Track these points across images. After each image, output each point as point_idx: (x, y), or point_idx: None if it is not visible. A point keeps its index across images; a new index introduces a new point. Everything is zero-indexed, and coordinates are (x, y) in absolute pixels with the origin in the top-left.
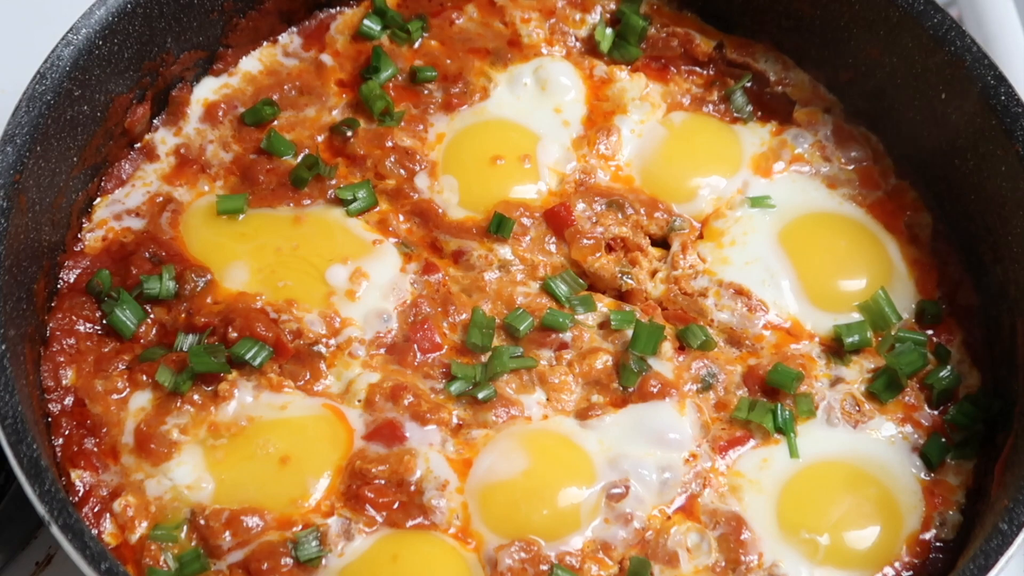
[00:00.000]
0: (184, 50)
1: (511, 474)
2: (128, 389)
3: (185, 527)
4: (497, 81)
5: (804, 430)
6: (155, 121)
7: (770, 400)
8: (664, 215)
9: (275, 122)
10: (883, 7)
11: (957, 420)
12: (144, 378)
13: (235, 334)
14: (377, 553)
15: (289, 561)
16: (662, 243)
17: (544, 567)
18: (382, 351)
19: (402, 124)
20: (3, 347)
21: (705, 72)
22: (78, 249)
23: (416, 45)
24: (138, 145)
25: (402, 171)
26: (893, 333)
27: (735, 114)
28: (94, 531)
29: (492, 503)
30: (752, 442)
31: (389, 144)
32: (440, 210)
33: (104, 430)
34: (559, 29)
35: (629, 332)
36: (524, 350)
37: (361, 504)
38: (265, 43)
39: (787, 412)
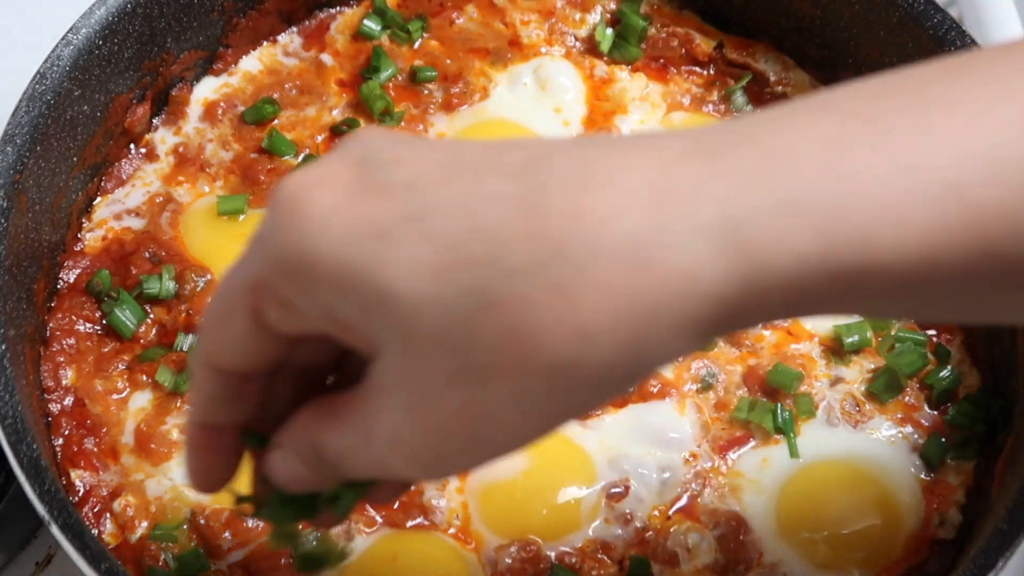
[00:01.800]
0: (184, 50)
1: (511, 474)
2: (128, 389)
3: (185, 527)
4: (497, 81)
5: (804, 430)
6: (155, 121)
7: (770, 400)
8: None
9: (276, 121)
10: (883, 7)
11: (957, 420)
12: (144, 378)
13: None
14: (377, 553)
15: (289, 561)
16: None
17: (544, 567)
18: None
19: (402, 124)
20: (3, 347)
21: (705, 72)
22: (78, 249)
23: (416, 45)
24: (138, 145)
25: None
26: (893, 333)
27: (735, 114)
28: (94, 531)
29: (492, 503)
30: (752, 442)
31: None
32: None
33: (104, 430)
34: (559, 29)
35: None
36: None
37: (361, 504)
38: (265, 43)
39: (787, 412)
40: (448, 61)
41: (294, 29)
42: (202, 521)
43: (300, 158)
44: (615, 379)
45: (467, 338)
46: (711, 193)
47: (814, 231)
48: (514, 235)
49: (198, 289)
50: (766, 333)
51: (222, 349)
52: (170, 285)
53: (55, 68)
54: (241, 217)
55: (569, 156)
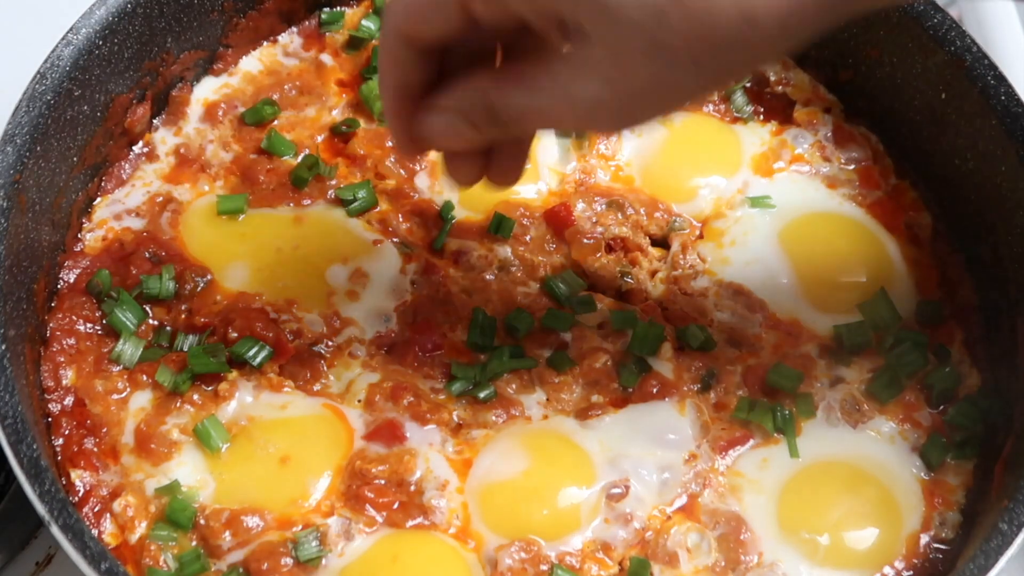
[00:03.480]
0: (184, 50)
1: (511, 474)
2: (128, 389)
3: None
4: None
5: (804, 430)
6: (155, 121)
7: (770, 400)
8: (664, 215)
9: (275, 122)
10: (883, 7)
11: (957, 420)
12: (144, 378)
13: (235, 334)
14: (377, 553)
15: (289, 561)
16: (662, 243)
17: (544, 567)
18: (382, 351)
19: None
20: (3, 347)
21: None
22: (78, 249)
23: None
24: (138, 145)
25: (402, 171)
26: (893, 333)
27: (735, 114)
28: (94, 531)
29: (492, 503)
30: (752, 442)
31: (389, 144)
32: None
33: (104, 430)
34: None
35: (629, 332)
36: (524, 350)
37: (361, 504)
38: (265, 43)
39: (787, 412)
40: None
41: (294, 29)
42: (202, 521)
43: (299, 158)
44: (764, 51)
45: (659, 24)
46: None
47: None
48: None
49: (198, 289)
50: (766, 333)
51: (422, 25)
52: (170, 285)
53: (55, 68)
54: (241, 217)
55: None
